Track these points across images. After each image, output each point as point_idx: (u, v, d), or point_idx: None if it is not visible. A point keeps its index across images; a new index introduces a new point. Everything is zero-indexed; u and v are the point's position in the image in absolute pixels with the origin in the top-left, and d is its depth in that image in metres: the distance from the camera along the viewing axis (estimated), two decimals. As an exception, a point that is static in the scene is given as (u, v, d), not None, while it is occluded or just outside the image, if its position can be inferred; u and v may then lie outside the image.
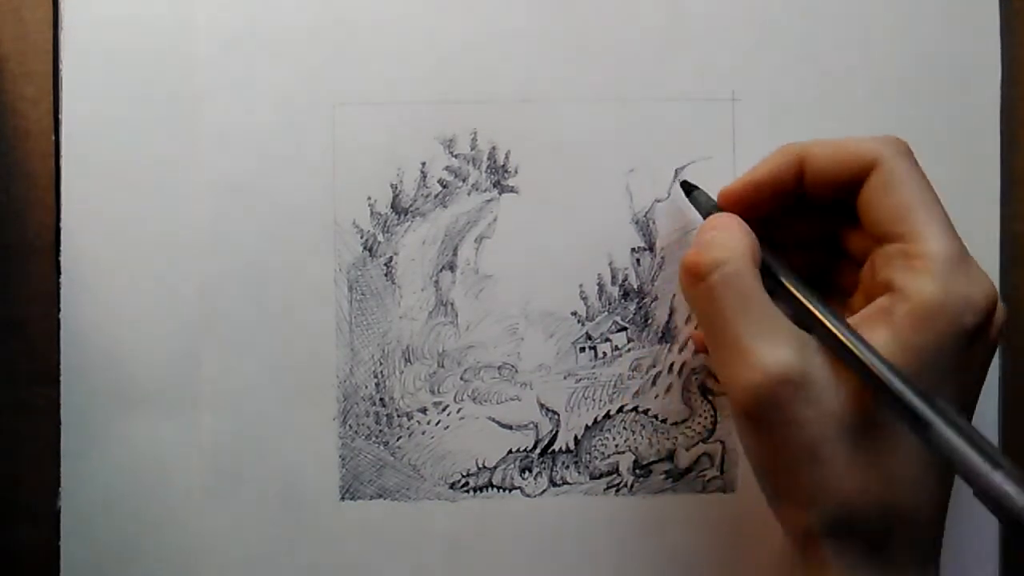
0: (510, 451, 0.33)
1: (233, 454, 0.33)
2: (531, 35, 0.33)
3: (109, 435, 0.33)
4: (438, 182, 0.33)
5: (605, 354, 0.33)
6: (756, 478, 0.28)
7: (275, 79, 0.33)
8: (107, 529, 0.33)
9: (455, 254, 0.33)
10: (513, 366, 0.33)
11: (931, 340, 0.25)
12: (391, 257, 0.33)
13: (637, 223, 0.33)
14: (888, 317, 0.25)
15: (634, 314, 0.33)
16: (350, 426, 0.33)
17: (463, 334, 0.33)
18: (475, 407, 0.33)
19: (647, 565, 0.33)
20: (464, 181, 0.33)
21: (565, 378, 0.33)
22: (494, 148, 0.33)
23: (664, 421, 0.33)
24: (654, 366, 0.33)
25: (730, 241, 0.27)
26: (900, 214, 0.26)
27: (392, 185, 0.33)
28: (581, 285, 0.33)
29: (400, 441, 0.33)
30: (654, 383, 0.33)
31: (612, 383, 0.33)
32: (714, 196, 0.30)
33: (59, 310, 0.33)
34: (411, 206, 0.33)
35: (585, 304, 0.33)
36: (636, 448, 0.33)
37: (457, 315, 0.33)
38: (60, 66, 0.33)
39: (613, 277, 0.33)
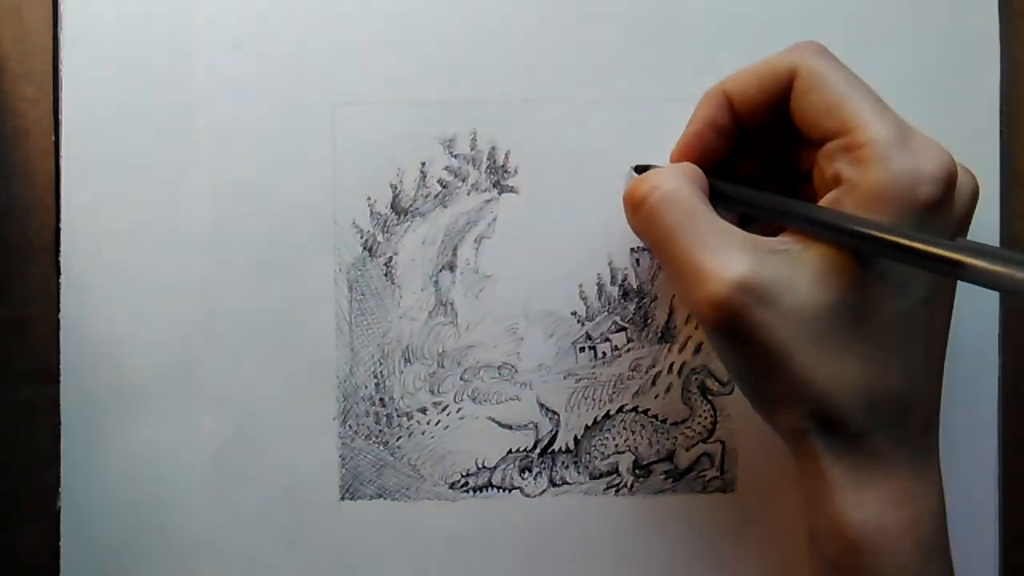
0: (510, 451, 0.33)
1: (233, 454, 0.33)
2: (531, 35, 0.33)
3: (109, 435, 0.33)
4: (438, 182, 0.33)
5: (605, 354, 0.33)
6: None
7: (275, 79, 0.33)
8: (107, 529, 0.33)
9: (455, 254, 0.33)
10: (513, 366, 0.33)
11: (888, 221, 0.25)
12: (391, 257, 0.33)
13: (637, 223, 0.33)
14: (839, 208, 0.25)
15: (634, 314, 0.33)
16: (350, 426, 0.33)
17: (463, 334, 0.33)
18: (475, 407, 0.33)
19: (647, 565, 0.33)
20: (464, 181, 0.33)
21: (565, 378, 0.33)
22: (494, 148, 0.33)
23: (664, 421, 0.33)
24: (654, 366, 0.33)
25: (667, 170, 0.28)
26: (829, 110, 0.26)
27: (392, 185, 0.33)
28: (581, 285, 0.33)
29: (400, 441, 0.33)
30: (654, 383, 0.33)
31: (612, 383, 0.33)
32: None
33: (59, 310, 0.33)
34: (411, 206, 0.33)
35: (585, 304, 0.33)
36: (636, 448, 0.33)
37: (457, 315, 0.33)
38: (60, 66, 0.33)
39: (613, 277, 0.33)
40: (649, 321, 0.33)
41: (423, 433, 0.33)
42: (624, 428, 0.33)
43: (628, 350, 0.33)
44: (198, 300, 0.33)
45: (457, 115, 0.33)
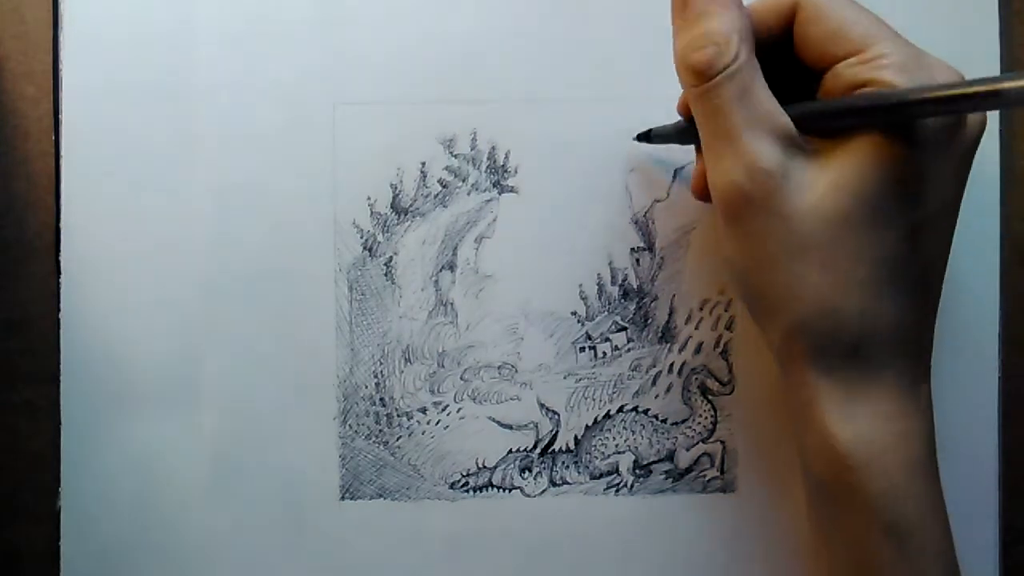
0: (510, 451, 0.33)
1: (233, 454, 0.33)
2: (531, 35, 0.33)
3: (109, 435, 0.33)
4: (438, 182, 0.33)
5: (605, 354, 0.33)
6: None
7: (275, 79, 0.33)
8: (107, 529, 0.33)
9: (455, 254, 0.33)
10: (513, 366, 0.33)
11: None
12: (391, 257, 0.33)
13: (637, 223, 0.33)
14: None
15: (634, 314, 0.33)
16: (350, 426, 0.33)
17: (463, 334, 0.33)
18: (475, 407, 0.33)
19: (647, 565, 0.33)
20: (464, 181, 0.33)
21: (565, 378, 0.33)
22: (494, 148, 0.33)
23: (664, 421, 0.33)
24: (654, 366, 0.33)
25: (731, 29, 0.26)
26: (836, 35, 0.26)
27: (392, 185, 0.33)
28: (581, 285, 0.33)
29: (400, 441, 0.33)
30: (654, 383, 0.33)
31: (612, 383, 0.33)
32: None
33: (59, 310, 0.33)
34: (411, 206, 0.33)
35: (585, 304, 0.33)
36: (636, 448, 0.33)
37: (457, 315, 0.33)
38: (60, 66, 0.33)
39: (613, 277, 0.33)
40: (649, 321, 0.33)
41: (423, 433, 0.33)
42: (624, 428, 0.33)
43: (628, 350, 0.33)
44: (198, 300, 0.33)
45: (457, 115, 0.33)
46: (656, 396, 0.33)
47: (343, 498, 0.33)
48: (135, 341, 0.33)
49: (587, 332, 0.33)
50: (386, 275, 0.33)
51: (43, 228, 0.33)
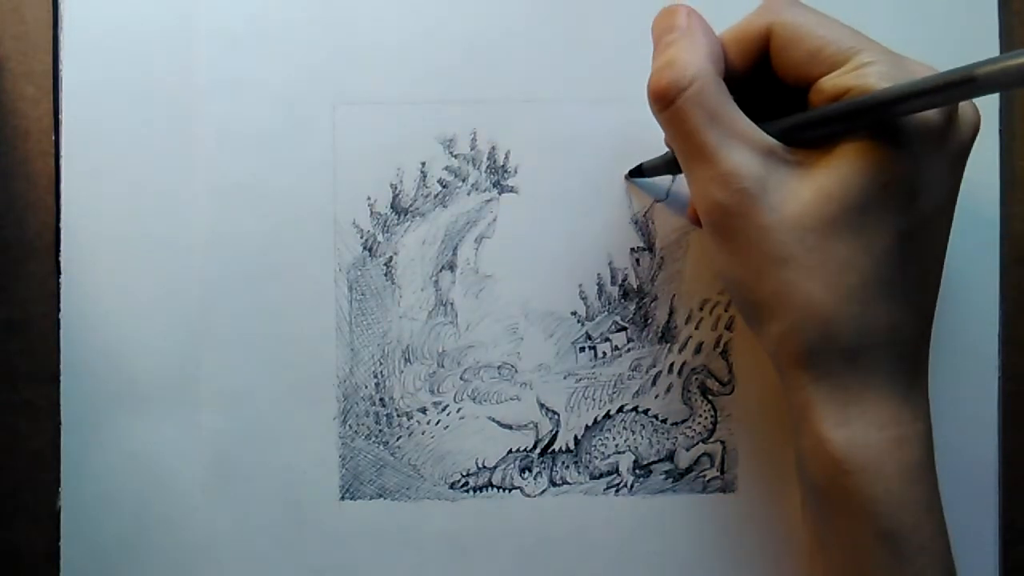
0: (510, 451, 0.33)
1: (233, 454, 0.33)
2: (531, 35, 0.33)
3: (109, 435, 0.33)
4: (438, 182, 0.33)
5: (605, 354, 0.33)
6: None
7: (275, 79, 0.33)
8: (107, 529, 0.33)
9: (455, 254, 0.33)
10: (513, 366, 0.33)
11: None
12: (391, 257, 0.33)
13: (636, 223, 0.33)
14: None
15: (634, 314, 0.33)
16: (350, 426, 0.33)
17: (463, 334, 0.33)
18: (475, 407, 0.33)
19: (647, 565, 0.33)
20: (464, 181, 0.33)
21: (565, 378, 0.33)
22: (494, 148, 0.33)
23: (664, 421, 0.33)
24: (654, 366, 0.33)
25: (691, 55, 0.27)
26: (813, 56, 0.26)
27: (392, 185, 0.33)
28: (581, 285, 0.33)
29: (400, 441, 0.33)
30: (654, 383, 0.33)
31: (612, 383, 0.33)
32: None
33: (59, 310, 0.33)
34: (411, 206, 0.33)
35: (585, 304, 0.33)
36: (636, 448, 0.33)
37: (457, 315, 0.33)
38: (60, 66, 0.33)
39: (613, 277, 0.33)
40: (649, 321, 0.33)
41: (423, 433, 0.33)
42: (624, 428, 0.33)
43: (628, 350, 0.33)
44: (198, 300, 0.33)
45: (457, 115, 0.33)
46: (656, 396, 0.33)
47: (343, 498, 0.33)
48: (135, 341, 0.33)
49: (587, 332, 0.33)
50: (386, 275, 0.33)
51: (43, 228, 0.33)
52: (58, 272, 0.33)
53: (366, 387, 0.33)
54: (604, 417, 0.33)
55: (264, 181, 0.33)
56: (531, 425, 0.33)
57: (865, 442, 0.26)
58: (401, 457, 0.33)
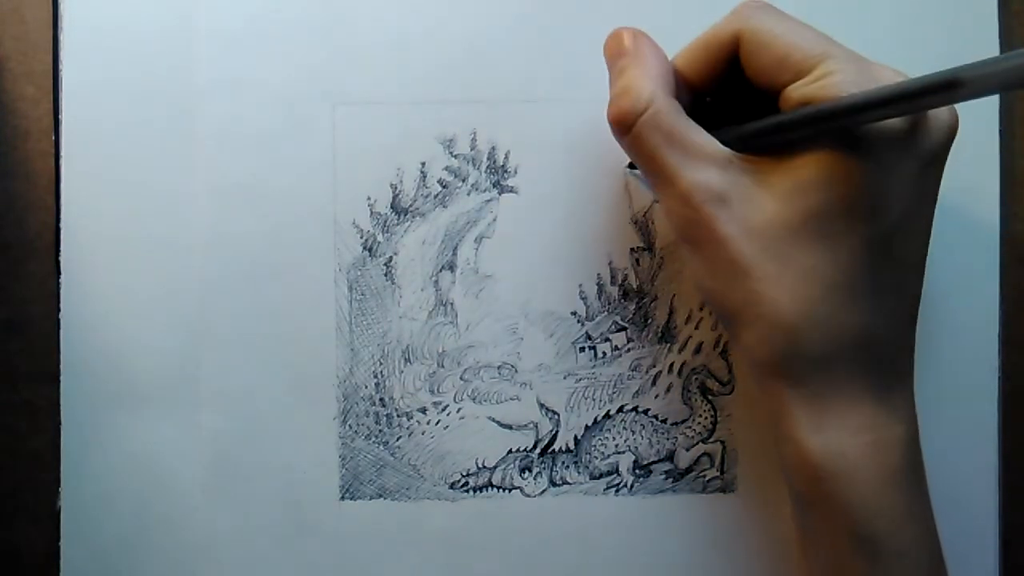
0: (510, 451, 0.33)
1: (233, 454, 0.33)
2: (531, 35, 0.33)
3: (109, 435, 0.33)
4: (438, 182, 0.33)
5: (605, 354, 0.33)
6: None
7: (275, 79, 0.33)
8: (107, 529, 0.33)
9: (455, 254, 0.33)
10: (513, 366, 0.33)
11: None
12: (391, 257, 0.33)
13: (636, 223, 0.33)
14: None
15: (634, 314, 0.33)
16: (350, 426, 0.33)
17: (463, 334, 0.33)
18: (475, 407, 0.33)
19: (647, 565, 0.33)
20: (464, 181, 0.33)
21: (565, 378, 0.33)
22: (494, 148, 0.33)
23: (664, 421, 0.33)
24: (654, 366, 0.33)
25: (642, 80, 0.27)
26: (781, 63, 0.26)
27: (392, 185, 0.33)
28: (581, 285, 0.33)
29: (400, 441, 0.33)
30: (654, 383, 0.33)
31: (612, 383, 0.33)
32: None
33: (59, 310, 0.33)
34: (411, 206, 0.33)
35: (585, 304, 0.33)
36: (636, 448, 0.33)
37: (457, 315, 0.33)
38: (60, 66, 0.33)
39: (613, 277, 0.33)
40: (649, 321, 0.33)
41: (423, 433, 0.33)
42: (624, 428, 0.33)
43: (628, 350, 0.33)
44: (198, 300, 0.33)
45: (457, 115, 0.33)
46: (656, 396, 0.33)
47: (343, 498, 0.33)
48: (135, 341, 0.33)
49: (587, 332, 0.33)
50: (386, 275, 0.33)
51: (43, 228, 0.33)
52: (58, 272, 0.33)
53: (366, 387, 0.33)
54: (604, 417, 0.33)
55: (264, 181, 0.33)
56: (531, 425, 0.33)
57: (841, 448, 0.26)
58: (401, 457, 0.33)
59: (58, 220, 0.33)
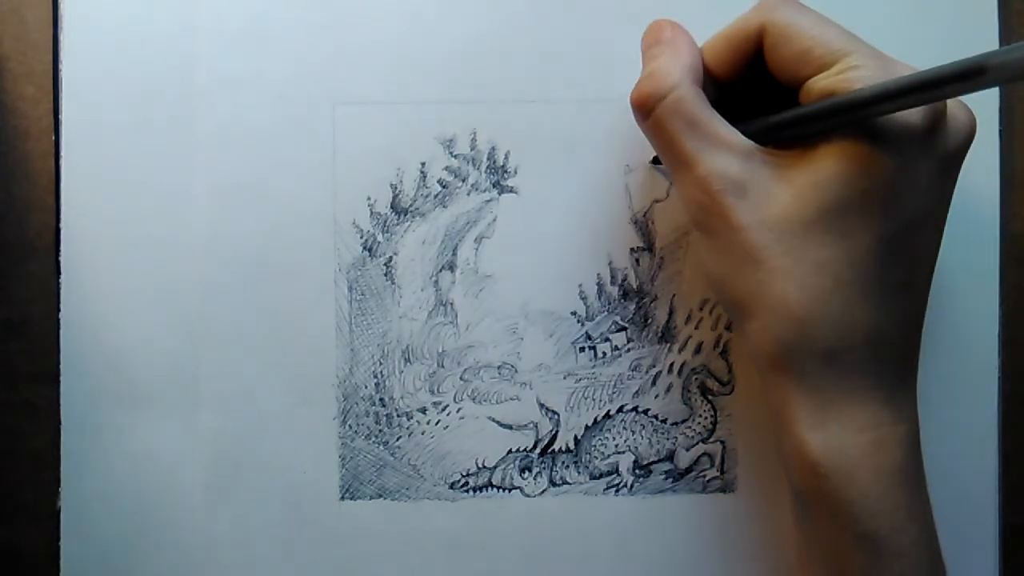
0: (510, 451, 0.33)
1: (233, 454, 0.33)
2: (531, 35, 0.33)
3: (109, 435, 0.33)
4: (438, 182, 0.33)
5: (605, 354, 0.33)
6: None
7: (275, 79, 0.33)
8: (107, 529, 0.33)
9: (455, 254, 0.33)
10: (513, 366, 0.33)
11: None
12: (391, 257, 0.33)
13: (636, 223, 0.33)
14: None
15: (634, 314, 0.33)
16: (350, 426, 0.33)
17: (463, 334, 0.33)
18: (475, 407, 0.33)
19: (647, 565, 0.33)
20: (464, 181, 0.33)
21: (565, 378, 0.33)
22: (494, 148, 0.33)
23: (664, 421, 0.33)
24: (654, 366, 0.33)
25: (671, 66, 0.28)
26: (804, 56, 0.26)
27: (392, 185, 0.33)
28: (581, 285, 0.33)
29: (400, 441, 0.33)
30: (654, 383, 0.33)
31: (612, 383, 0.33)
32: None
33: (59, 310, 0.33)
34: (411, 206, 0.33)
35: (585, 304, 0.33)
36: (636, 448, 0.33)
37: (457, 315, 0.33)
38: (60, 66, 0.33)
39: (612, 277, 0.33)
40: (649, 321, 0.33)
41: (423, 433, 0.33)
42: (624, 428, 0.33)
43: (628, 350, 0.33)
44: (198, 300, 0.33)
45: (457, 115, 0.33)
46: (656, 396, 0.33)
47: (343, 498, 0.33)
48: (135, 341, 0.33)
49: (587, 332, 0.33)
50: (386, 275, 0.33)
51: (43, 228, 0.33)
52: (58, 272, 0.33)
53: (366, 387, 0.33)
54: (604, 417, 0.33)
55: (264, 181, 0.33)
56: (531, 425, 0.33)
57: (841, 445, 0.26)
58: (401, 457, 0.33)
59: (58, 220, 0.33)
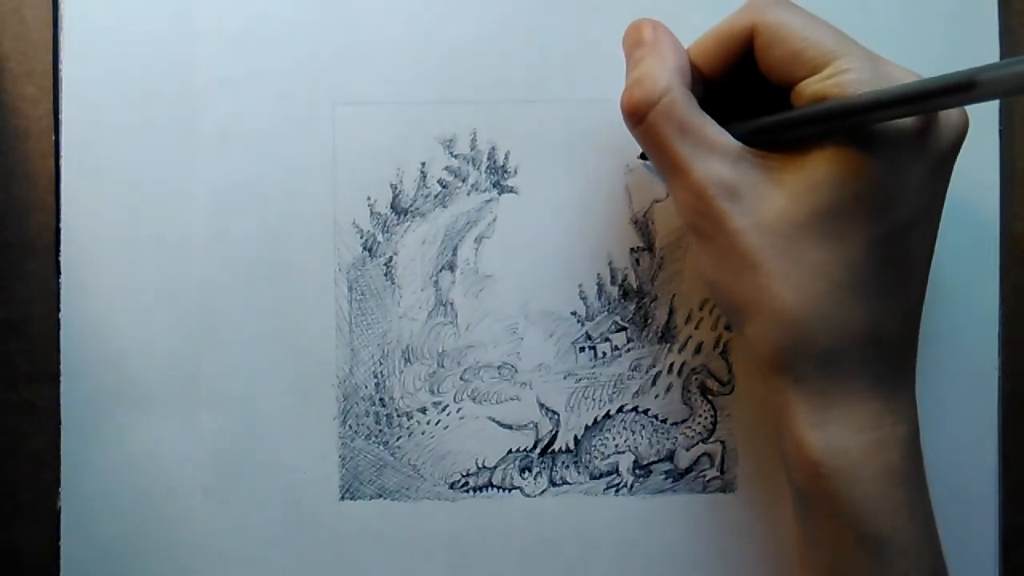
0: (510, 451, 0.33)
1: (233, 454, 0.33)
2: (531, 35, 0.33)
3: (109, 435, 0.33)
4: (438, 182, 0.33)
5: (605, 354, 0.33)
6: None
7: (275, 79, 0.33)
8: (107, 529, 0.33)
9: (455, 254, 0.33)
10: (513, 366, 0.33)
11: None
12: (391, 257, 0.33)
13: (636, 223, 0.33)
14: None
15: (634, 314, 0.33)
16: (350, 426, 0.33)
17: (463, 334, 0.33)
18: (475, 407, 0.33)
19: (647, 565, 0.33)
20: (464, 181, 0.33)
21: (565, 378, 0.33)
22: (494, 148, 0.33)
23: (664, 421, 0.33)
24: (654, 366, 0.33)
25: (659, 70, 0.27)
26: (795, 57, 0.26)
27: (392, 185, 0.33)
28: (581, 285, 0.33)
29: (400, 441, 0.33)
30: (654, 383, 0.33)
31: (612, 383, 0.33)
32: None
33: (59, 310, 0.33)
34: (411, 206, 0.33)
35: (585, 304, 0.33)
36: (636, 448, 0.33)
37: (457, 315, 0.33)
38: (60, 66, 0.33)
39: (612, 277, 0.33)
40: (649, 321, 0.33)
41: (423, 433, 0.33)
42: (624, 428, 0.33)
43: (628, 350, 0.33)
44: (198, 300, 0.33)
45: (457, 115, 0.33)
46: (656, 396, 0.33)
47: (343, 498, 0.33)
48: (135, 341, 0.33)
49: (587, 332, 0.33)
50: (386, 275, 0.33)
51: (43, 228, 0.33)
52: (58, 272, 0.33)
53: (366, 387, 0.33)
54: (604, 417, 0.33)
55: (264, 181, 0.33)
56: (531, 425, 0.33)
57: (842, 445, 0.26)
58: (401, 457, 0.33)
59: (58, 220, 0.33)
